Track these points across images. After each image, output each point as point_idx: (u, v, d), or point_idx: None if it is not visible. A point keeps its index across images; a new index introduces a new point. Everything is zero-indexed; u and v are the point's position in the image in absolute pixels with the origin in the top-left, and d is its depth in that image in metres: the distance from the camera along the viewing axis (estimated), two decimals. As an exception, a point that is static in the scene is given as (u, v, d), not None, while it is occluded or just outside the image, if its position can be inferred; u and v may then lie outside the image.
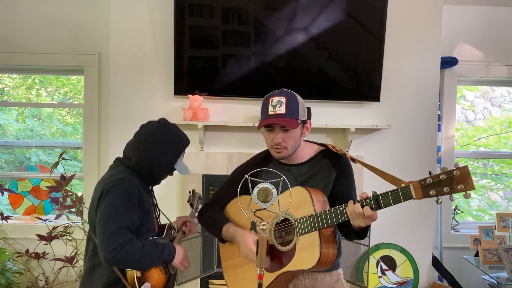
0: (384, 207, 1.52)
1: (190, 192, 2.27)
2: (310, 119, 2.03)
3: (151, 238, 1.85)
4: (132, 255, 1.70)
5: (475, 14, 3.64)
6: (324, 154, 1.84)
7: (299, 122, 1.75)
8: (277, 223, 1.81)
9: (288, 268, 1.73)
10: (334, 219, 1.62)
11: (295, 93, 1.79)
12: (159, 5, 3.23)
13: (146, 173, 1.86)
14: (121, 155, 1.96)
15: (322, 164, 1.82)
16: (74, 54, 3.53)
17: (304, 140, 1.88)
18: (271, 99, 1.77)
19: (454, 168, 1.38)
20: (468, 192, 1.37)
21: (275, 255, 1.80)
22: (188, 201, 2.27)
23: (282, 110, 1.72)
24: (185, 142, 1.94)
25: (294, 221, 1.73)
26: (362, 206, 1.54)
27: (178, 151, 1.90)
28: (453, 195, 1.40)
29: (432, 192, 1.41)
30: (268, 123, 1.75)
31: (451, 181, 1.38)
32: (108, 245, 1.68)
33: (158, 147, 1.84)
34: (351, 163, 1.85)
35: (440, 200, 1.43)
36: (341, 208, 1.61)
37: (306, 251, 1.69)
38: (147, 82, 3.28)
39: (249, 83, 3.22)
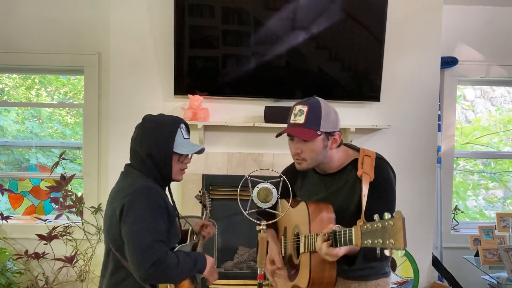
0: (338, 246, 1.40)
1: (200, 192, 2.13)
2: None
3: (178, 246, 1.76)
4: (170, 269, 1.58)
5: (475, 14, 3.64)
6: (354, 165, 1.70)
7: (319, 134, 1.62)
8: (296, 235, 1.77)
9: (295, 282, 1.71)
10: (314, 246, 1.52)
11: (321, 102, 1.65)
12: (159, 5, 3.23)
13: (155, 172, 1.74)
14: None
15: (350, 176, 1.69)
16: (74, 54, 3.53)
17: (344, 144, 1.77)
18: (294, 107, 1.67)
19: (392, 216, 1.19)
20: (398, 249, 1.15)
21: (294, 266, 1.77)
22: (200, 202, 2.15)
23: (301, 119, 1.62)
24: (171, 124, 1.76)
25: (300, 237, 1.70)
26: (328, 240, 1.43)
27: (165, 137, 1.74)
28: (391, 251, 1.18)
29: (368, 241, 1.24)
30: (284, 132, 1.67)
31: (384, 233, 1.19)
32: (144, 262, 1.54)
33: (145, 145, 1.73)
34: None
35: (378, 252, 1.23)
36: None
37: (304, 270, 1.65)
38: (147, 82, 3.28)
39: (249, 83, 3.22)
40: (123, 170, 1.82)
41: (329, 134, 1.65)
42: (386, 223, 1.19)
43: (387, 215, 1.21)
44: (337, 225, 1.43)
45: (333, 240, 1.41)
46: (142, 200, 1.62)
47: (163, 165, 1.74)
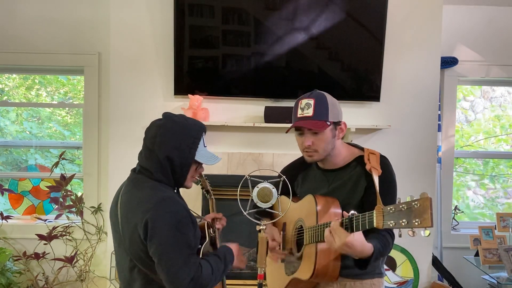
0: (356, 231, 1.41)
1: (198, 177, 1.92)
2: None
3: (201, 247, 1.71)
4: (207, 280, 1.56)
5: (475, 14, 3.64)
6: (359, 161, 1.75)
7: (329, 124, 1.68)
8: (298, 229, 1.79)
9: (295, 275, 1.72)
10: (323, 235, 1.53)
11: (325, 94, 1.73)
12: (159, 5, 3.23)
13: (169, 176, 1.65)
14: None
15: (354, 172, 1.73)
16: (74, 54, 3.53)
17: (346, 143, 1.83)
18: (300, 102, 1.71)
19: (418, 197, 1.23)
20: (426, 229, 1.21)
21: (293, 259, 1.78)
22: (202, 188, 2.04)
23: (309, 112, 1.67)
24: (196, 130, 1.69)
25: (304, 229, 1.71)
26: (342, 226, 1.44)
27: (189, 142, 1.65)
28: (414, 230, 1.23)
29: (391, 222, 1.28)
30: (295, 126, 1.71)
31: (409, 213, 1.23)
32: (181, 279, 1.50)
33: (166, 146, 1.62)
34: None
35: (400, 233, 1.30)
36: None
37: (307, 261, 1.66)
38: (147, 82, 3.28)
39: (249, 83, 3.22)
40: (130, 176, 1.71)
41: (336, 124, 1.73)
42: (412, 204, 1.22)
43: (410, 198, 1.25)
44: (353, 211, 1.44)
45: (349, 225, 1.42)
46: (166, 215, 1.54)
47: (180, 171, 1.65)
